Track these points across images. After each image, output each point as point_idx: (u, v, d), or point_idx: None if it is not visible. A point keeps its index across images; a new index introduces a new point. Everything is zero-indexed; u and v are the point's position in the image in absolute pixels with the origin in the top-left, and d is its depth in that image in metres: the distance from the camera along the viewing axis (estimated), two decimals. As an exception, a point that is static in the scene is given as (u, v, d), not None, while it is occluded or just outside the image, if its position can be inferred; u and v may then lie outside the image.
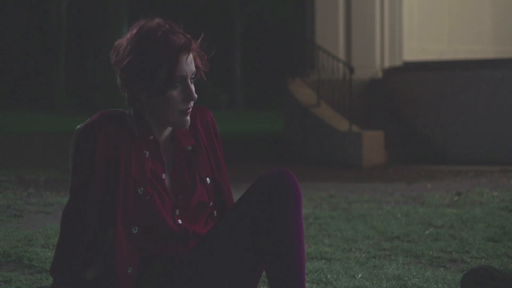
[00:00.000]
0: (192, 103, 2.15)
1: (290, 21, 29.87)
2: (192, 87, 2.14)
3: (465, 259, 4.00)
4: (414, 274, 3.58)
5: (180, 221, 2.18)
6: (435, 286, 3.36)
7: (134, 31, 2.12)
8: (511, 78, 10.64)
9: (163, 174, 2.19)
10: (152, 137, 2.17)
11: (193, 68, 2.14)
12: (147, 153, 2.16)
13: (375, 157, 10.26)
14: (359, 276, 3.52)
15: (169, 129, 2.22)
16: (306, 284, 3.37)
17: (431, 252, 4.17)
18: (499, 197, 6.57)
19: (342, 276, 3.52)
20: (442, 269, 3.81)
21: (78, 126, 2.16)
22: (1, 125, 17.06)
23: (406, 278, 3.49)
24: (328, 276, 3.47)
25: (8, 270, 3.66)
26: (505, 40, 13.01)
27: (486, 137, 10.74)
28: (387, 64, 12.41)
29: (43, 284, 3.36)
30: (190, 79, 2.14)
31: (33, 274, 3.58)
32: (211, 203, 2.25)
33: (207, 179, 2.25)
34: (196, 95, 2.13)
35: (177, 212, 2.18)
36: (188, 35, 2.14)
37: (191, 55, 2.13)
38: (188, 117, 2.16)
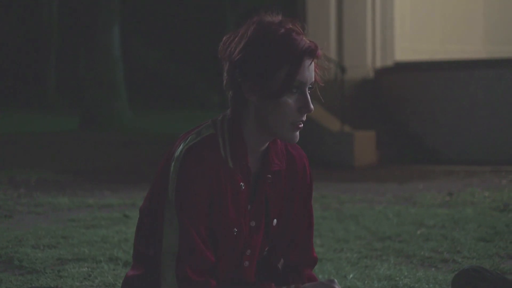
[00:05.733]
0: (305, 116, 1.90)
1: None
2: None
3: (456, 259, 4.01)
4: (406, 274, 3.58)
5: (247, 263, 1.98)
6: (426, 286, 3.36)
7: (252, 23, 1.91)
8: (503, 78, 10.67)
9: (249, 206, 1.96)
10: (246, 164, 1.93)
11: (313, 77, 1.91)
12: (243, 185, 1.93)
13: (367, 157, 10.26)
14: (351, 276, 3.52)
15: (265, 147, 1.96)
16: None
17: (422, 252, 4.17)
18: (490, 197, 6.58)
19: (333, 276, 3.52)
20: (433, 269, 3.82)
21: (181, 148, 1.92)
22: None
23: (398, 278, 3.49)
24: (320, 277, 3.47)
25: (-2, 271, 3.64)
26: (497, 40, 13.04)
27: (478, 137, 10.75)
28: (378, 64, 12.41)
29: (33, 285, 3.34)
30: (308, 89, 1.90)
31: (24, 274, 3.57)
32: (266, 248, 2.03)
33: (274, 220, 2.01)
34: (313, 107, 1.89)
35: (248, 252, 1.97)
36: (312, 40, 1.94)
37: (313, 63, 1.92)
38: (298, 133, 1.91)
